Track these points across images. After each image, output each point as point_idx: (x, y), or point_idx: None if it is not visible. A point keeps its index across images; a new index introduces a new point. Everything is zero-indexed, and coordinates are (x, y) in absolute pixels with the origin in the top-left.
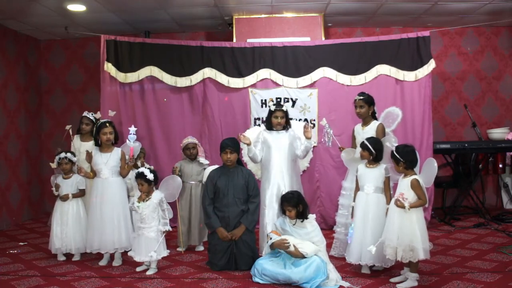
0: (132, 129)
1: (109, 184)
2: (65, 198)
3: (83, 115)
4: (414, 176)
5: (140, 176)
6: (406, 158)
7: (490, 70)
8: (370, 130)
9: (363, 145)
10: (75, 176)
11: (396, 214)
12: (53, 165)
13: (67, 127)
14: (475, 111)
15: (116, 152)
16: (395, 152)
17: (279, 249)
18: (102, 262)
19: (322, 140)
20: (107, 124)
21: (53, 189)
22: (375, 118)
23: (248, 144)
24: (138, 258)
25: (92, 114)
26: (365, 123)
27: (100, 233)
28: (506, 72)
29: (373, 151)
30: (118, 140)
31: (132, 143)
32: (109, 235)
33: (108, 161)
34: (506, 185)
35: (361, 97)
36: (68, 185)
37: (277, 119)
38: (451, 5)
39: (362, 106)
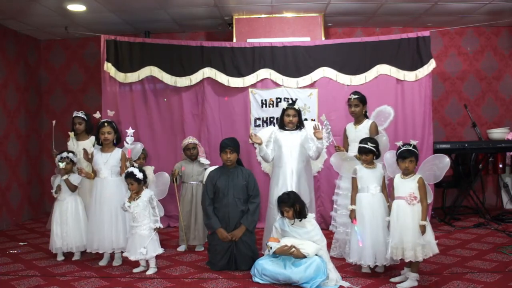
0: (130, 131)
1: (107, 184)
2: (63, 172)
3: (74, 115)
4: (419, 175)
5: (130, 176)
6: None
7: (490, 70)
8: (364, 128)
9: (367, 149)
10: (72, 175)
11: (409, 214)
12: (62, 165)
13: (53, 122)
14: (475, 111)
15: (117, 152)
16: (416, 150)
17: (283, 255)
18: (102, 262)
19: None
20: (105, 124)
21: (53, 191)
22: (367, 117)
23: (259, 144)
24: (133, 257)
25: (82, 112)
26: (358, 122)
27: (99, 233)
28: (506, 72)
29: (378, 152)
30: (120, 140)
31: (130, 145)
32: (107, 235)
33: (107, 161)
34: (506, 185)
35: (356, 96)
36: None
37: (289, 117)
38: (451, 5)
39: (357, 105)
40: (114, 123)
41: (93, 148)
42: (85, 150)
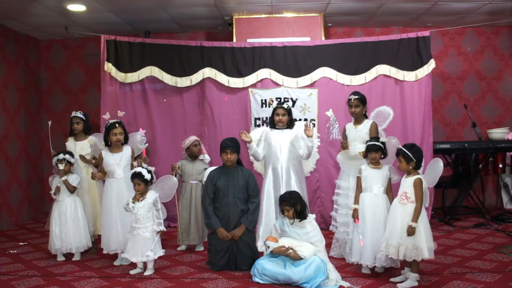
0: (141, 132)
1: (124, 184)
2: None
3: (72, 115)
4: (418, 176)
5: (138, 176)
6: (416, 158)
7: (490, 70)
8: (364, 128)
9: (376, 147)
10: (71, 175)
11: (398, 213)
12: (61, 167)
13: (49, 122)
14: (475, 111)
15: (127, 150)
16: (406, 151)
17: (280, 255)
18: (117, 262)
19: (328, 131)
20: (116, 125)
21: (52, 192)
22: (366, 117)
23: (249, 142)
24: (135, 259)
25: (80, 112)
26: (358, 121)
27: (117, 233)
28: (506, 72)
29: (386, 152)
30: (128, 140)
31: (144, 145)
32: (125, 235)
33: (120, 161)
34: (506, 185)
35: (357, 96)
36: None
37: (279, 116)
38: (451, 5)
39: (357, 105)
40: (122, 123)
41: (90, 149)
42: (81, 156)
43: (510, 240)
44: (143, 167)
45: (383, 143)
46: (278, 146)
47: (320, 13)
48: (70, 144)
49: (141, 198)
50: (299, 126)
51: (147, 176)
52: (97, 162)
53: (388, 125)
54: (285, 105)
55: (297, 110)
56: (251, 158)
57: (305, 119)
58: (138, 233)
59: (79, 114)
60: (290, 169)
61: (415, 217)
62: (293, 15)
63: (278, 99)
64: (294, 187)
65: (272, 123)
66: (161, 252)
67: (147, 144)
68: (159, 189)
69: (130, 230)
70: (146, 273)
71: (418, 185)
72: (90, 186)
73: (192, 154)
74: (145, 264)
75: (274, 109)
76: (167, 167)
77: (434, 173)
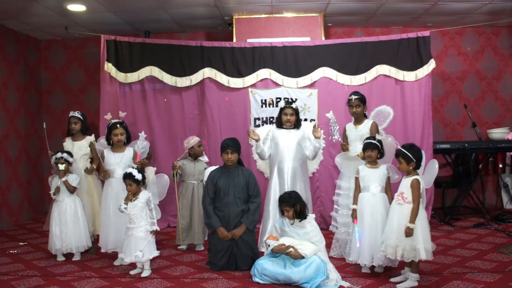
0: (142, 135)
1: (123, 184)
2: (61, 175)
3: (70, 115)
4: (415, 177)
5: (129, 177)
6: (416, 158)
7: (490, 70)
8: (364, 128)
9: (373, 145)
10: (70, 175)
11: (396, 213)
12: (62, 167)
13: (44, 124)
14: (475, 111)
15: (129, 151)
16: (406, 151)
17: (280, 253)
18: (117, 262)
19: (330, 133)
20: (118, 125)
21: (51, 192)
22: (366, 117)
23: (257, 140)
24: (129, 260)
25: (78, 112)
26: (358, 121)
27: (116, 232)
28: (506, 72)
29: (383, 151)
30: (130, 139)
31: (141, 149)
32: (123, 235)
33: (121, 161)
34: (506, 185)
35: (357, 96)
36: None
37: (287, 116)
38: (451, 5)
39: (358, 105)
40: (125, 124)
41: (88, 149)
42: (89, 168)
43: (510, 240)
44: (133, 168)
45: (379, 141)
46: (286, 146)
47: (320, 13)
48: (68, 144)
49: (134, 198)
50: (305, 126)
51: (138, 176)
52: (97, 163)
53: (388, 124)
54: (293, 105)
55: None
56: (255, 156)
57: (305, 119)
58: (132, 233)
59: (77, 114)
60: (296, 170)
61: (413, 218)
62: (293, 15)
63: (278, 99)
64: (299, 187)
65: (279, 123)
66: (155, 253)
67: (144, 149)
68: (154, 188)
69: (126, 231)
70: (143, 274)
71: (415, 186)
72: (89, 185)
73: (196, 154)
74: (143, 264)
75: (282, 109)
76: (166, 167)
77: (430, 174)
